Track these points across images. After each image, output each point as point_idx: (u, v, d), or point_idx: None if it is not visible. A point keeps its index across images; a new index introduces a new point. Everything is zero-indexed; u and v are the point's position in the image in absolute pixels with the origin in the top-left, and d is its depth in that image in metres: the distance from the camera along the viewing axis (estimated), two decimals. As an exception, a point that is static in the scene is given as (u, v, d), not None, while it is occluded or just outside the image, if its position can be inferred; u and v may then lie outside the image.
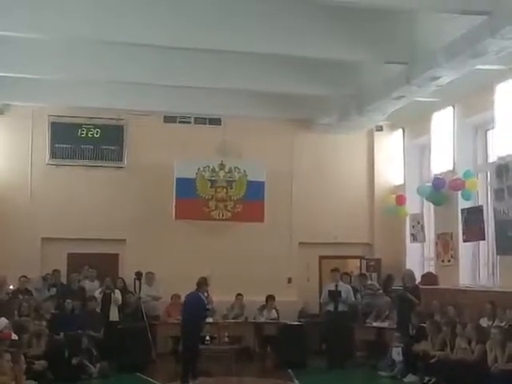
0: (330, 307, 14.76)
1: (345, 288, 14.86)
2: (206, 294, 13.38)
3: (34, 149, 16.21)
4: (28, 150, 16.18)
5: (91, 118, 16.41)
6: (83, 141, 16.47)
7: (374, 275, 16.80)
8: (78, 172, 16.26)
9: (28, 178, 16.08)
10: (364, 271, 16.95)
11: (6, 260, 14.36)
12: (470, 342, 11.55)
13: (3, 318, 10.79)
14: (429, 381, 12.33)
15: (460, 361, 11.48)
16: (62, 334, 13.10)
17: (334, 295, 14.53)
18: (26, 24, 10.74)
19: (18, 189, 15.78)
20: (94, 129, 16.54)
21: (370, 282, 16.22)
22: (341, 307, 14.70)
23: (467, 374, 11.05)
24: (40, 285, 14.99)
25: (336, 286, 14.77)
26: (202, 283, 13.21)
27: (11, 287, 14.03)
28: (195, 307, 12.90)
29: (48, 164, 16.26)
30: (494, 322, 11.78)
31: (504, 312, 11.62)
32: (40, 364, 10.73)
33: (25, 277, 14.67)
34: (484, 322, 11.93)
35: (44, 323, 12.63)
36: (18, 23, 10.69)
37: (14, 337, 9.95)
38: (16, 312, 12.44)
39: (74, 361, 12.49)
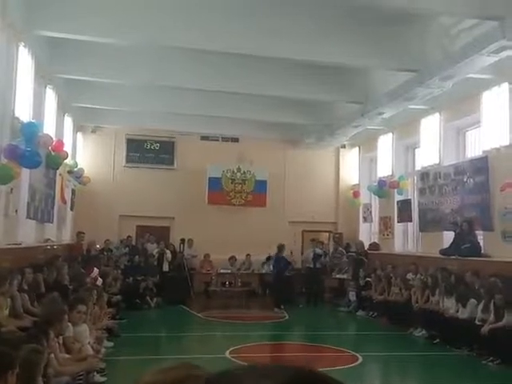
0: (310, 264, 14.74)
1: (319, 252, 14.87)
2: (288, 255, 14.30)
3: (115, 156, 16.17)
4: (111, 157, 16.14)
5: (153, 136, 16.34)
6: (147, 151, 16.42)
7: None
8: (144, 172, 16.21)
9: (111, 175, 16.05)
10: (333, 241, 16.89)
11: (96, 229, 14.35)
12: (400, 289, 11.52)
13: (96, 269, 10.84)
14: (372, 315, 12.32)
15: (394, 301, 11.47)
16: (131, 278, 13.16)
17: (317, 256, 14.55)
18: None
19: (104, 182, 15.77)
20: (155, 143, 16.48)
21: (340, 248, 16.19)
22: (317, 264, 14.70)
23: (398, 310, 11.04)
24: (118, 245, 15.04)
25: (314, 250, 14.77)
26: (281, 248, 13.89)
27: (98, 246, 14.08)
28: (281, 264, 13.72)
29: (124, 166, 16.22)
30: (416, 275, 11.72)
31: (424, 269, 11.57)
32: (116, 298, 10.78)
33: (108, 240, 14.73)
34: (409, 276, 11.87)
35: (120, 271, 12.69)
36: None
37: (99, 281, 9.97)
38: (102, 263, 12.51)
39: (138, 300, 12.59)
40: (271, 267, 14.74)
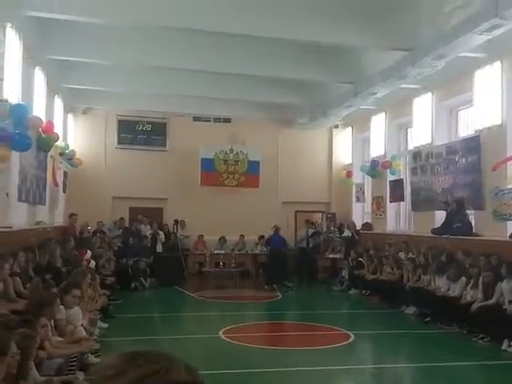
0: (303, 244, 14.80)
1: (314, 230, 14.94)
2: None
3: (106, 137, 16.04)
4: (103, 138, 16.02)
5: (145, 117, 16.21)
6: (139, 132, 16.29)
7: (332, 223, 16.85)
8: (136, 153, 16.11)
9: (103, 157, 15.95)
10: (326, 221, 16.96)
11: (89, 210, 14.31)
12: (392, 268, 11.62)
13: (89, 251, 10.84)
14: (365, 293, 12.43)
15: (386, 280, 11.57)
16: (124, 259, 13.18)
17: (313, 235, 14.65)
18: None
19: (96, 164, 15.68)
20: (147, 124, 16.35)
21: (332, 227, 16.24)
22: (310, 244, 14.77)
23: (390, 289, 11.14)
24: (111, 227, 15.03)
25: (307, 231, 14.82)
26: (278, 228, 14.23)
27: (89, 228, 14.06)
28: (278, 242, 13.97)
29: (116, 147, 16.11)
30: (408, 255, 11.82)
31: (416, 248, 11.66)
32: (110, 279, 10.79)
33: (101, 222, 14.72)
34: (401, 255, 11.97)
35: (113, 253, 12.70)
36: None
37: (92, 264, 9.97)
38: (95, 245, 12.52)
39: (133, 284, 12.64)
40: (263, 247, 14.85)
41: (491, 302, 8.07)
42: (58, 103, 13.35)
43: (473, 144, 10.78)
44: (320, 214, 17.21)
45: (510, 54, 9.69)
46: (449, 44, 8.72)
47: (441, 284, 9.54)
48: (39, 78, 11.00)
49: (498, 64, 10.01)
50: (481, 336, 7.99)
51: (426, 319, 9.51)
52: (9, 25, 8.44)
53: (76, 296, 5.89)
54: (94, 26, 10.00)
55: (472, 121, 11.25)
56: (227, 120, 16.68)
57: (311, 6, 9.13)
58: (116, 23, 9.65)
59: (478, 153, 10.55)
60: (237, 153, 16.55)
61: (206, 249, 15.18)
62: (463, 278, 8.99)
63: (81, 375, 4.96)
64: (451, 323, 8.92)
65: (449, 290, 9.27)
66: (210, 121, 16.63)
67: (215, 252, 14.87)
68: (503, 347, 7.44)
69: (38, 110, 10.52)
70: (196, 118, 16.46)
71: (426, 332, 8.91)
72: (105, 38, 10.57)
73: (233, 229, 15.24)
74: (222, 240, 15.29)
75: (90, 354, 6.14)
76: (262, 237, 15.16)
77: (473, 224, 10.74)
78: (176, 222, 15.43)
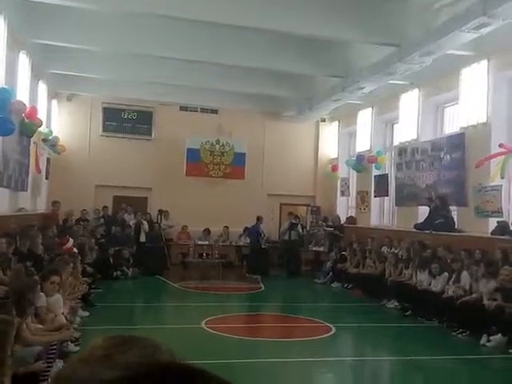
0: (286, 237, 14.85)
1: (295, 221, 14.98)
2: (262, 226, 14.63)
3: (91, 125, 15.86)
4: (87, 125, 15.84)
5: (131, 105, 16.05)
6: (125, 121, 16.13)
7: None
8: (121, 142, 15.96)
9: (87, 144, 15.79)
10: (310, 214, 16.99)
11: (72, 199, 14.17)
12: (374, 262, 11.71)
13: (71, 239, 10.72)
14: (347, 286, 12.52)
15: (368, 274, 11.65)
16: (108, 249, 13.08)
17: (293, 227, 14.64)
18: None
19: (80, 152, 15.52)
20: (132, 113, 16.20)
21: (320, 222, 16.27)
22: (293, 236, 14.81)
23: (372, 283, 11.23)
24: (94, 216, 14.90)
25: (291, 223, 14.86)
26: (260, 218, 14.46)
27: (73, 217, 13.92)
28: (255, 234, 14.27)
29: (101, 135, 15.94)
30: (390, 249, 11.92)
31: (398, 243, 11.76)
32: (91, 269, 10.71)
33: (84, 210, 14.59)
34: (384, 250, 12.06)
35: (95, 241, 12.60)
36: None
37: (75, 251, 9.88)
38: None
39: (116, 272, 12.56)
40: (246, 238, 14.90)
41: (474, 296, 8.18)
42: (43, 88, 13.16)
43: (457, 141, 10.88)
44: (305, 207, 17.27)
45: (496, 52, 9.77)
46: (437, 41, 8.76)
47: (422, 279, 9.65)
48: (23, 62, 10.82)
49: (484, 62, 10.09)
50: (460, 330, 8.11)
51: (407, 313, 9.62)
52: (-7, 7, 8.28)
53: (55, 282, 5.83)
54: (80, 11, 9.83)
55: (457, 118, 11.34)
56: (214, 111, 16.60)
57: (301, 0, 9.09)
58: (103, 9, 9.51)
59: (463, 150, 10.65)
60: (223, 144, 16.50)
61: (190, 239, 15.15)
62: (445, 274, 9.09)
63: (60, 363, 4.93)
64: (431, 317, 9.03)
65: (430, 284, 9.38)
66: (196, 111, 16.53)
67: (199, 243, 14.84)
68: (482, 342, 7.56)
69: (22, 94, 10.35)
70: (183, 108, 16.35)
71: (406, 326, 9.02)
72: (91, 23, 10.41)
73: (217, 220, 15.22)
74: (206, 232, 15.27)
75: (69, 343, 6.11)
76: (247, 228, 15.17)
77: (456, 220, 10.85)
78: (160, 211, 15.37)
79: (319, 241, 15.36)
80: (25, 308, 4.48)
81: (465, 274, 8.65)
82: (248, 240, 14.81)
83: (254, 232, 14.50)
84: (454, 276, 8.87)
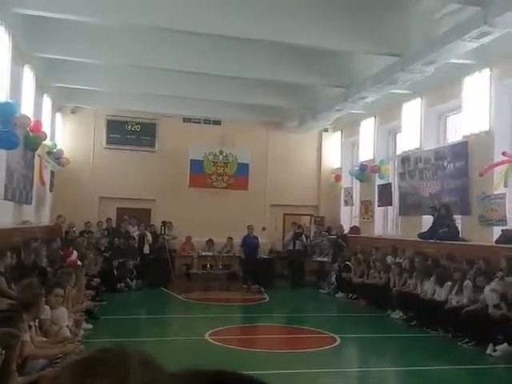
0: (290, 247, 14.84)
1: (299, 231, 14.99)
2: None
3: (95, 137, 15.95)
4: (91, 138, 15.93)
5: (134, 117, 16.15)
6: (128, 133, 16.22)
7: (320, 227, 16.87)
8: (125, 154, 16.03)
9: (91, 156, 15.87)
10: (314, 224, 16.98)
11: (76, 211, 14.23)
12: (379, 272, 11.67)
13: (75, 251, 10.76)
14: (352, 296, 12.48)
15: (372, 284, 11.62)
16: (110, 260, 13.08)
17: (297, 237, 14.62)
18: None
19: (84, 164, 15.59)
20: (136, 125, 16.28)
21: (323, 232, 16.26)
22: (297, 246, 14.79)
23: (377, 293, 11.20)
24: (98, 228, 14.93)
25: (295, 233, 14.86)
26: (251, 228, 14.71)
27: (74, 229, 13.95)
28: (252, 243, 14.53)
29: (105, 148, 16.03)
30: (395, 259, 11.88)
31: (403, 252, 11.72)
32: (95, 281, 10.71)
33: (88, 222, 14.63)
34: (388, 259, 12.03)
35: (99, 253, 12.62)
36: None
37: (79, 263, 9.91)
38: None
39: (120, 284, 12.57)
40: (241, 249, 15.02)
41: (478, 306, 8.15)
42: (47, 102, 13.27)
43: (461, 150, 10.88)
44: (308, 218, 17.26)
45: (499, 61, 9.81)
46: (438, 50, 8.81)
47: (427, 288, 9.61)
48: (28, 76, 10.93)
49: (486, 71, 10.13)
50: (466, 340, 8.06)
51: (412, 323, 9.57)
52: (-3, 22, 8.39)
53: (58, 295, 5.85)
54: (84, 25, 9.94)
55: (460, 127, 11.36)
56: (217, 122, 16.67)
57: (303, 10, 9.16)
58: (106, 22, 9.60)
59: (466, 158, 10.66)
60: (226, 155, 16.55)
61: (194, 250, 15.15)
62: (448, 283, 9.06)
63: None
64: (436, 327, 8.98)
65: (434, 294, 9.34)
66: (199, 122, 16.60)
67: (202, 254, 14.84)
68: (488, 351, 7.51)
69: (26, 108, 10.44)
70: (186, 119, 16.42)
71: (411, 336, 8.97)
72: (95, 37, 10.52)
73: (221, 231, 15.22)
74: (210, 242, 15.26)
75: (74, 356, 6.11)
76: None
77: (460, 229, 10.83)
78: (164, 223, 15.39)
79: (323, 251, 15.35)
80: (29, 320, 4.49)
81: (467, 284, 8.61)
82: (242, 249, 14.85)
83: (247, 242, 14.47)
84: (456, 286, 8.83)
